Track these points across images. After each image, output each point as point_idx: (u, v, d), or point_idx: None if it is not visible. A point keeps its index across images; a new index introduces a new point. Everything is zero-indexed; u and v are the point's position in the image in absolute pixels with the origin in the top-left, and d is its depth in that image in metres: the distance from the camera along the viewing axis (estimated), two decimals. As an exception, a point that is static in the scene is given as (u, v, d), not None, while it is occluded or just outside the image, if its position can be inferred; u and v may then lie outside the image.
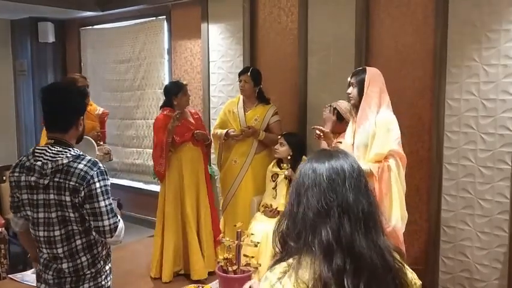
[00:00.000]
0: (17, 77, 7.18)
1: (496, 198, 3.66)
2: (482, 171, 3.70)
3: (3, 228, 4.46)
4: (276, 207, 4.19)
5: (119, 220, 2.14)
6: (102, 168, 2.09)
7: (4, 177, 5.07)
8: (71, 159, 2.06)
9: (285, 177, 4.15)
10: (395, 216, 2.80)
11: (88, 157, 2.10)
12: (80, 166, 2.04)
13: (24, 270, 4.55)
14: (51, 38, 6.92)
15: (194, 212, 4.35)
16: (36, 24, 6.85)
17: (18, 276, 4.34)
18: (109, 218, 2.08)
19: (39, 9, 6.15)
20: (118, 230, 2.12)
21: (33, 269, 4.36)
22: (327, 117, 3.85)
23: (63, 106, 2.14)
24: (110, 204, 2.09)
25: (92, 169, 2.05)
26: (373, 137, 2.96)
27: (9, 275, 4.37)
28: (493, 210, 3.67)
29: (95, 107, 4.55)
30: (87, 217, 2.08)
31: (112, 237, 2.11)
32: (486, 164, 3.68)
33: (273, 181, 4.30)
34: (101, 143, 4.25)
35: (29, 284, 4.16)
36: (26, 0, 5.73)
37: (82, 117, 2.19)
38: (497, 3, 3.57)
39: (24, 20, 6.87)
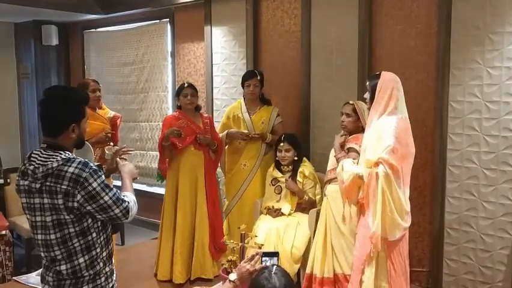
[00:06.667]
0: (20, 80, 7.22)
1: (499, 200, 3.66)
2: (485, 173, 3.70)
3: (7, 231, 4.48)
4: (280, 208, 4.20)
5: (127, 202, 2.17)
6: (93, 167, 2.10)
7: (8, 180, 5.08)
8: (60, 163, 2.06)
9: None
10: (377, 222, 2.81)
11: (78, 159, 2.10)
12: (71, 169, 2.04)
13: (29, 272, 4.57)
14: (54, 41, 6.96)
15: (187, 217, 4.35)
16: (40, 27, 6.89)
17: (22, 278, 4.36)
18: (118, 206, 2.12)
19: (43, 12, 6.18)
20: (130, 210, 2.18)
21: (37, 271, 4.38)
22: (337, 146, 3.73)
23: (53, 112, 2.14)
24: (114, 194, 2.11)
25: (84, 171, 2.05)
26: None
27: (13, 277, 4.39)
28: (497, 212, 3.67)
29: (107, 111, 4.57)
30: (96, 214, 2.10)
31: (128, 218, 2.19)
32: (489, 166, 3.68)
33: (273, 185, 4.31)
34: (111, 143, 4.27)
35: (34, 286, 4.18)
36: (30, 3, 5.75)
37: (75, 124, 2.16)
38: (500, 5, 3.58)
39: (28, 23, 6.90)
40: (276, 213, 4.19)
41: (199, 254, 4.34)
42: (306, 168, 4.22)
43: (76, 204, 2.05)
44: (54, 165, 2.05)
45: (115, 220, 2.18)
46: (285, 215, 4.16)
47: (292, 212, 4.20)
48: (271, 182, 4.33)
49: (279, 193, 4.26)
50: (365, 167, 2.91)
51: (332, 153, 3.80)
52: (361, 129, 3.62)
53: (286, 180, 4.19)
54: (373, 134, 2.94)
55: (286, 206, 4.19)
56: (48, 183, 2.05)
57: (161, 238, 4.43)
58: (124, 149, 2.61)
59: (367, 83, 3.15)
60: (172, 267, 4.33)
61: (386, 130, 2.89)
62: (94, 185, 2.05)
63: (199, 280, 4.30)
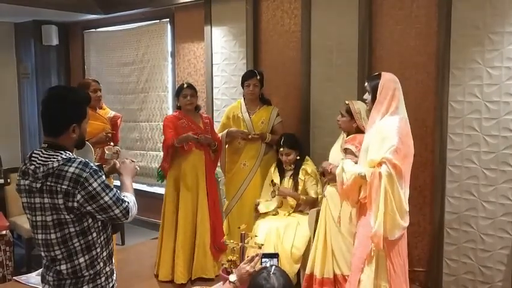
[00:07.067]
0: (20, 79, 7.22)
1: (499, 200, 3.66)
2: (485, 173, 3.71)
3: (7, 231, 4.48)
4: (258, 204, 4.31)
5: (127, 203, 2.17)
6: (94, 167, 2.10)
7: (9, 180, 5.08)
8: (61, 163, 2.06)
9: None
10: (378, 221, 2.82)
11: (79, 159, 2.10)
12: (71, 169, 2.04)
13: (29, 272, 4.57)
14: (55, 41, 6.97)
15: (189, 217, 4.36)
16: (40, 27, 6.89)
17: (23, 278, 4.37)
18: (118, 207, 2.13)
19: (43, 12, 6.18)
20: (130, 211, 2.18)
21: (37, 271, 4.38)
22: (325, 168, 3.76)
23: (54, 112, 2.15)
24: (114, 195, 2.12)
25: (84, 171, 2.05)
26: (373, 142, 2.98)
27: (14, 277, 4.39)
28: (497, 212, 3.68)
29: (107, 111, 4.60)
30: (96, 214, 2.11)
31: (127, 219, 2.19)
32: (489, 166, 3.69)
33: (272, 185, 4.34)
34: (111, 143, 4.28)
35: (34, 285, 4.18)
36: (30, 3, 5.76)
37: (75, 124, 2.15)
38: (500, 5, 3.58)
39: (28, 23, 6.91)
40: (255, 208, 4.30)
41: (200, 254, 4.35)
42: (308, 166, 4.23)
43: (76, 204, 2.05)
44: (54, 165, 2.06)
45: (115, 220, 2.19)
46: (259, 212, 4.27)
47: (291, 211, 4.23)
48: (271, 183, 4.35)
49: (274, 196, 4.31)
50: (368, 167, 2.91)
51: (332, 153, 3.81)
52: (356, 129, 3.62)
53: (278, 188, 4.23)
54: (376, 134, 2.94)
55: (264, 205, 4.28)
56: (48, 183, 2.05)
57: (162, 238, 4.43)
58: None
59: (366, 84, 3.14)
60: (173, 268, 4.34)
61: (389, 130, 2.90)
62: (94, 185, 2.06)
63: (199, 280, 4.30)
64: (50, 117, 2.16)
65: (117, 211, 2.13)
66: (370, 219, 2.89)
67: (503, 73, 3.59)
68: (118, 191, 2.18)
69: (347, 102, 3.70)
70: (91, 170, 2.07)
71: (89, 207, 2.07)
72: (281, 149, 4.23)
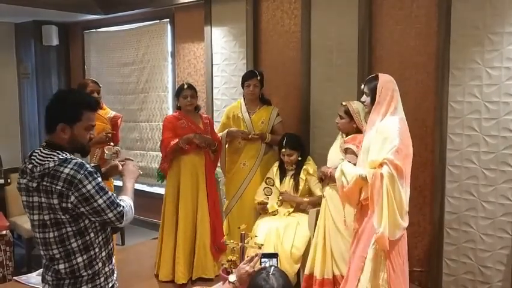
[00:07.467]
0: (21, 80, 7.23)
1: (499, 200, 3.66)
2: (485, 173, 3.71)
3: (8, 231, 4.48)
4: (266, 203, 4.30)
5: (122, 207, 2.15)
6: (90, 169, 2.09)
7: (9, 180, 5.09)
8: (57, 163, 2.06)
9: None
10: (384, 223, 2.82)
11: (75, 160, 2.10)
12: (66, 170, 2.04)
13: (29, 272, 4.57)
14: (55, 41, 6.97)
15: (189, 217, 4.36)
16: (40, 28, 6.90)
17: (23, 278, 4.37)
18: (112, 210, 2.11)
19: (43, 12, 6.19)
20: (125, 215, 2.16)
21: (37, 271, 4.39)
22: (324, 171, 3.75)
23: (48, 110, 2.18)
24: (108, 198, 2.10)
25: (79, 172, 2.04)
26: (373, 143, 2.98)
27: (14, 277, 4.39)
28: (496, 212, 3.68)
29: (107, 111, 4.62)
30: (90, 216, 2.10)
31: (122, 223, 2.17)
32: (489, 166, 3.69)
33: (266, 184, 4.36)
34: (111, 143, 4.28)
35: (34, 286, 4.18)
36: (30, 3, 5.76)
37: (64, 124, 2.14)
38: (500, 5, 3.58)
39: (29, 23, 6.91)
40: (263, 207, 4.29)
41: (200, 254, 4.35)
42: (310, 166, 4.23)
43: (70, 205, 2.05)
44: (51, 165, 2.06)
45: (109, 224, 2.18)
46: (269, 212, 4.27)
47: (291, 211, 4.23)
48: (269, 181, 4.36)
49: (269, 194, 4.33)
50: (369, 168, 2.91)
51: (330, 154, 3.81)
52: (356, 130, 3.61)
53: (281, 193, 4.24)
54: (377, 135, 2.94)
55: (270, 204, 4.29)
56: (44, 183, 2.05)
57: (163, 238, 4.43)
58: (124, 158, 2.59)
59: (363, 87, 3.13)
60: (174, 268, 4.34)
61: (390, 131, 2.91)
62: (89, 187, 2.05)
63: (199, 280, 4.30)
64: (45, 114, 2.18)
65: (111, 215, 2.11)
66: (372, 220, 2.89)
67: (502, 73, 3.59)
68: (114, 195, 2.16)
69: (343, 103, 3.68)
70: (86, 172, 2.06)
71: (82, 209, 2.07)
72: (283, 150, 4.24)
